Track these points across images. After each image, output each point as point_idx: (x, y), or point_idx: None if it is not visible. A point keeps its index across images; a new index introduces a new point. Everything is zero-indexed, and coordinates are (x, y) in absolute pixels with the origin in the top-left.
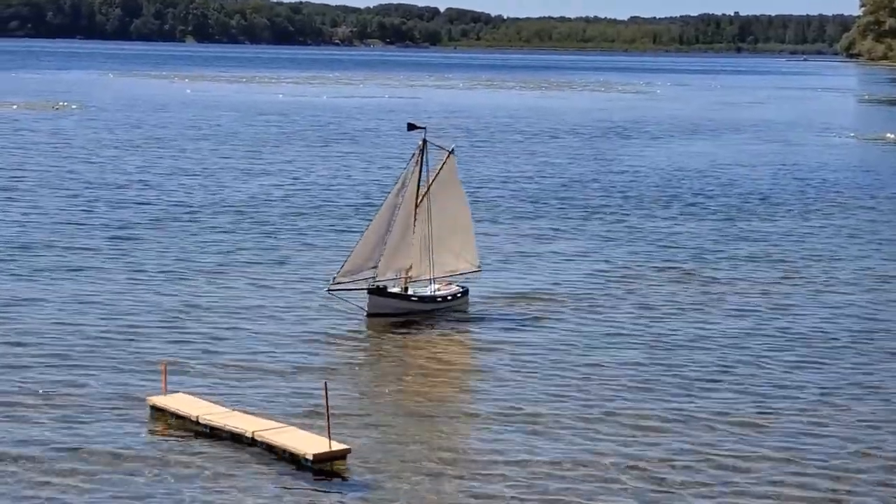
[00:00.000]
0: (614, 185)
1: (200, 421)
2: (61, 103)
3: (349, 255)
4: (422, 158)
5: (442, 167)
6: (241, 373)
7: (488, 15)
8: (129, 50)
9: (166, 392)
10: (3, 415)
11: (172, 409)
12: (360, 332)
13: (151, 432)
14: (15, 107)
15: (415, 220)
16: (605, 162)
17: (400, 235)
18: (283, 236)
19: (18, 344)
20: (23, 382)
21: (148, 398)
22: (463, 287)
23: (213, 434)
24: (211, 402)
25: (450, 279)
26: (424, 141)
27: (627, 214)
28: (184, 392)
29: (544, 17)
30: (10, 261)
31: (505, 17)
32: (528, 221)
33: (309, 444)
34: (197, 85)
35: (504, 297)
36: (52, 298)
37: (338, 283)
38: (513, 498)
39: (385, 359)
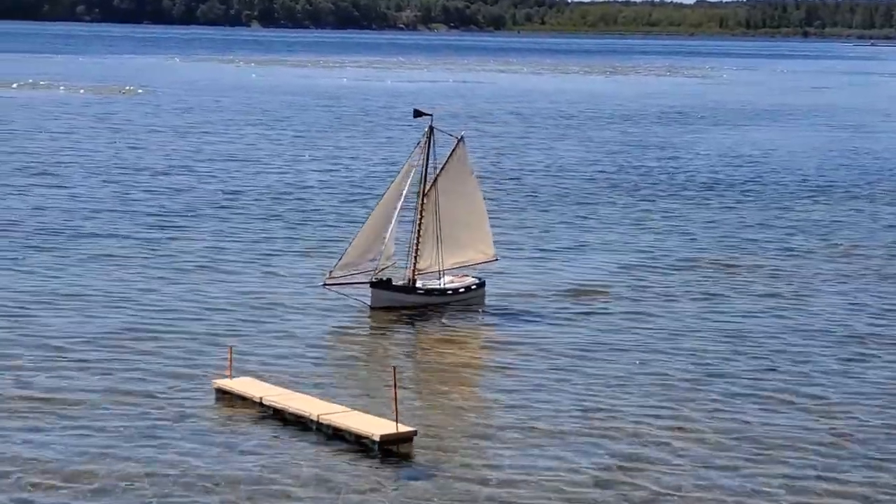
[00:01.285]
0: (666, 171)
1: (265, 403)
2: (128, 88)
3: (347, 249)
4: (428, 147)
5: (451, 155)
6: (303, 357)
7: None
8: (195, 35)
9: (232, 375)
10: (74, 396)
11: (238, 392)
12: (416, 318)
13: (216, 414)
14: (83, 91)
15: (422, 210)
16: (660, 148)
17: (400, 227)
18: (340, 223)
19: (84, 329)
20: (89, 366)
21: (213, 381)
22: (479, 279)
23: (278, 416)
24: (275, 385)
25: (462, 270)
26: (431, 128)
27: (675, 202)
28: (249, 376)
29: (609, 1)
30: (75, 247)
31: (570, 1)
32: (570, 209)
33: (375, 426)
34: (262, 69)
35: (548, 290)
36: (118, 284)
37: (333, 278)
38: (572, 481)
39: (444, 346)
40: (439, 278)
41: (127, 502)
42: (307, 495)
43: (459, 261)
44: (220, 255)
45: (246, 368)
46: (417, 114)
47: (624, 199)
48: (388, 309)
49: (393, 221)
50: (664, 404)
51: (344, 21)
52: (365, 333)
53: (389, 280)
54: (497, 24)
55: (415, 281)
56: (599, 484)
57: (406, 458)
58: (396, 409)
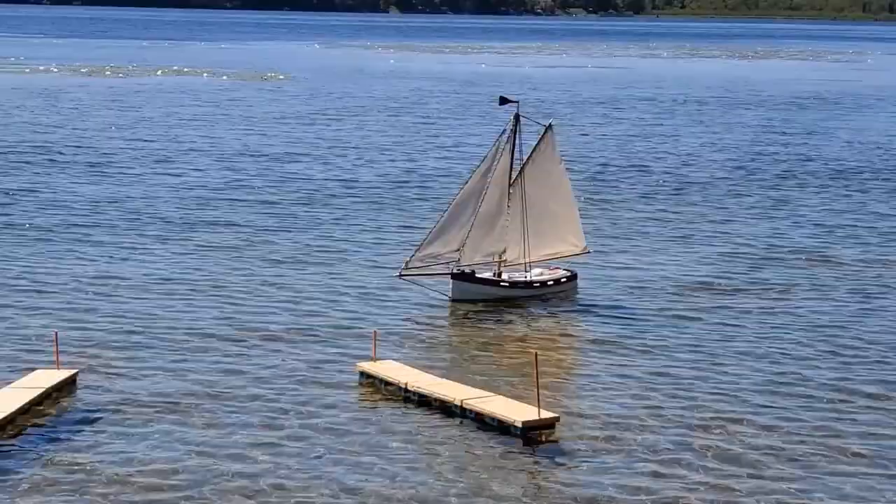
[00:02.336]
0: (793, 160)
1: (409, 388)
2: (269, 74)
3: (426, 238)
4: (515, 135)
5: (539, 143)
6: (439, 341)
7: None
8: (334, 21)
9: (375, 359)
10: (221, 383)
11: (381, 376)
12: (558, 305)
13: (360, 398)
14: (225, 77)
15: (508, 200)
16: (796, 134)
17: (491, 217)
18: None
19: (227, 317)
20: (236, 352)
21: (357, 364)
22: (571, 271)
23: (421, 401)
24: (417, 369)
25: (551, 263)
26: (517, 116)
27: (804, 191)
28: (389, 360)
29: None
30: (198, 235)
31: None
32: (690, 199)
33: (518, 411)
34: (400, 55)
35: (655, 284)
36: (257, 271)
37: (410, 268)
38: (713, 477)
39: (587, 333)
40: (526, 270)
41: (276, 480)
42: (450, 478)
43: (548, 253)
44: (349, 242)
45: (391, 350)
46: (503, 101)
47: (749, 187)
48: (470, 301)
49: (487, 210)
50: (792, 406)
51: (482, 6)
52: (498, 320)
53: (473, 272)
54: (636, 7)
55: (500, 273)
56: (749, 475)
57: (548, 443)
58: (538, 394)
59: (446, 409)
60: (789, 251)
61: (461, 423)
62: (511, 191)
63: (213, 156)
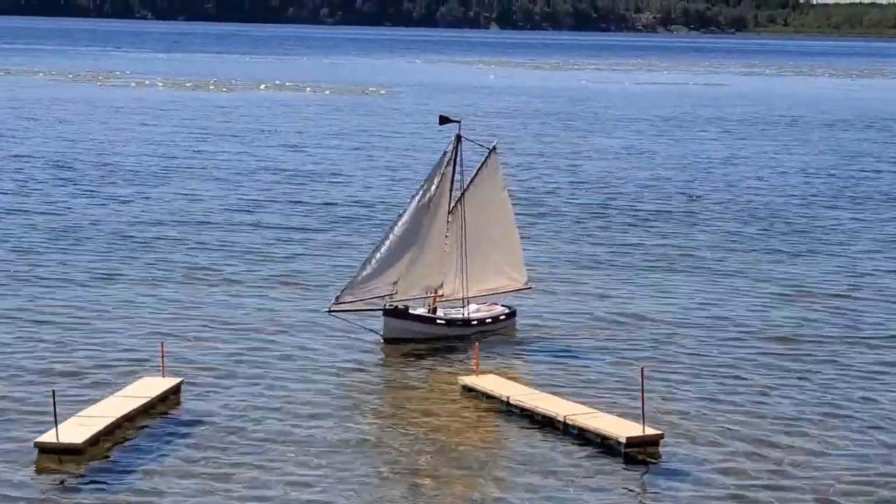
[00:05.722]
0: (842, 186)
1: (511, 402)
2: (371, 88)
3: (358, 271)
4: (455, 158)
5: (481, 168)
6: (545, 355)
7: (796, 0)
8: (435, 36)
9: (478, 372)
10: (327, 392)
11: (483, 389)
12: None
13: (462, 410)
14: (328, 92)
15: (447, 230)
16: (867, 157)
17: (429, 248)
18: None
19: (334, 327)
20: (342, 362)
21: (459, 378)
22: (509, 308)
23: (523, 415)
24: (520, 382)
25: (490, 298)
26: (458, 137)
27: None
28: (494, 373)
29: (854, 3)
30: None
31: (814, 3)
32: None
33: (621, 428)
34: (501, 70)
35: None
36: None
37: (340, 304)
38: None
39: (692, 350)
40: (463, 306)
41: (387, 493)
42: (552, 493)
43: (487, 288)
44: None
45: (493, 364)
46: (444, 120)
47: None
48: (403, 341)
49: (425, 241)
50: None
51: (582, 23)
52: (605, 335)
53: (406, 308)
54: (738, 25)
55: (435, 309)
56: (852, 492)
57: (652, 461)
58: (643, 410)
59: (549, 423)
60: (769, 282)
61: (562, 438)
62: (450, 219)
63: (288, 171)
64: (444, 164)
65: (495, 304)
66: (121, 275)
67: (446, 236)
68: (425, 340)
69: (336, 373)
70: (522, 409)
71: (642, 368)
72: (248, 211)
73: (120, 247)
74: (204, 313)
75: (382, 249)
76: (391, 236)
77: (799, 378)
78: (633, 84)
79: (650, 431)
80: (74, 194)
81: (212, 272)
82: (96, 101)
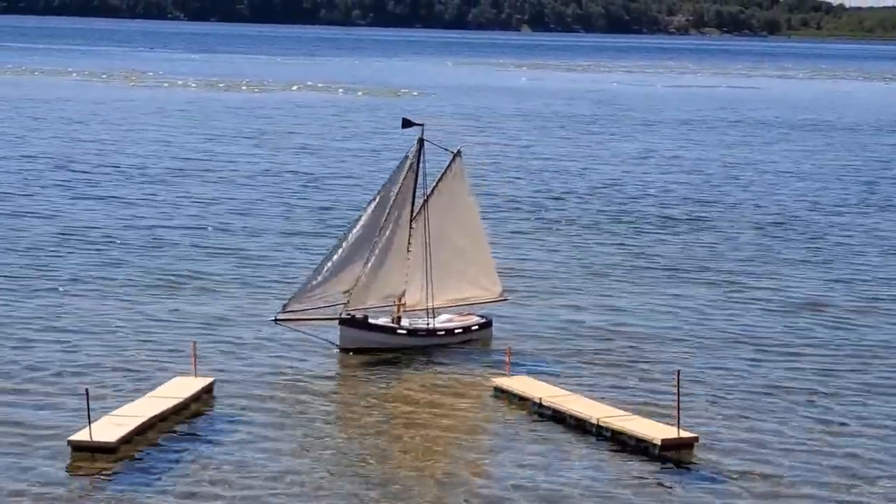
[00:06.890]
0: (842, 192)
1: (544, 403)
2: (403, 90)
3: (309, 278)
4: (418, 162)
5: (445, 171)
6: (577, 358)
7: (829, 4)
8: (467, 38)
9: (510, 374)
10: (362, 403)
11: (516, 391)
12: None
13: (495, 412)
14: (360, 93)
15: (410, 236)
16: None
17: (388, 255)
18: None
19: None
20: (375, 373)
21: (493, 379)
22: (485, 317)
23: (555, 417)
24: (552, 385)
25: (459, 309)
26: (421, 141)
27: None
28: (522, 375)
29: (889, 7)
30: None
31: (847, 7)
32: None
33: (656, 430)
34: (532, 73)
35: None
36: None
37: (289, 311)
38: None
39: (722, 356)
40: (432, 316)
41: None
42: (586, 495)
43: (456, 297)
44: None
45: (526, 366)
46: (406, 123)
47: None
48: (361, 351)
49: (384, 247)
50: None
51: (614, 25)
52: (640, 334)
53: (366, 317)
54: (771, 28)
55: (399, 319)
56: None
57: (687, 463)
58: (679, 413)
59: (582, 426)
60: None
61: (596, 440)
62: (413, 225)
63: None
64: (406, 168)
65: (471, 314)
66: (153, 276)
67: (409, 244)
68: (386, 351)
69: (367, 378)
70: (555, 411)
71: (678, 371)
72: (285, 217)
73: (152, 248)
74: (236, 314)
75: (335, 257)
76: (344, 244)
77: (835, 387)
78: (666, 87)
79: (685, 434)
80: (86, 196)
81: (246, 274)
82: (130, 101)
